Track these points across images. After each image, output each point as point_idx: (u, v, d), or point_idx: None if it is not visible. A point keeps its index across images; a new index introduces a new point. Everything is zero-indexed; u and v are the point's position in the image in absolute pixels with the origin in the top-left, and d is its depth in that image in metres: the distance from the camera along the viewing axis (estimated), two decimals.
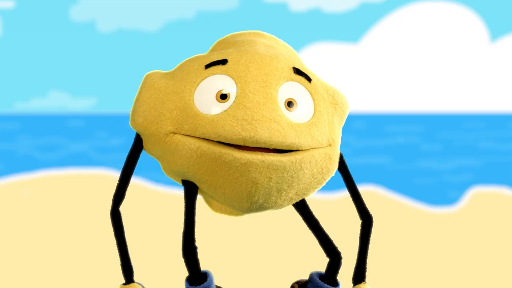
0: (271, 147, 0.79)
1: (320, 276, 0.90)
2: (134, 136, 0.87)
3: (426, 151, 10.76)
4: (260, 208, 0.85)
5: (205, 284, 0.82)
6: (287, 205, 0.87)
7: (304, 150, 0.81)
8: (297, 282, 0.91)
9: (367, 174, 7.84)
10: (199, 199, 0.87)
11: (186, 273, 0.84)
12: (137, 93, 0.86)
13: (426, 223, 5.09)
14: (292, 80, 0.83)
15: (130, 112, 0.86)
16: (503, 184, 6.63)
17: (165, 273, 2.85)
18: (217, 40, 0.92)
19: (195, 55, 0.88)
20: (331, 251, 0.88)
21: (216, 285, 0.85)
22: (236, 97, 0.80)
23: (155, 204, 4.94)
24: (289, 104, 0.82)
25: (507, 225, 4.82)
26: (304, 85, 0.84)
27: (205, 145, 0.80)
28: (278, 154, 0.80)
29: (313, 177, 0.84)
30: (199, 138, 0.81)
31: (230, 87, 0.81)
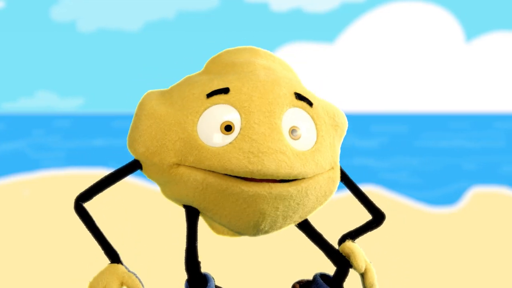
0: (278, 179, 0.79)
1: (324, 277, 0.89)
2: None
3: (414, 150, 10.78)
4: (266, 233, 0.85)
5: None
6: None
7: (309, 177, 0.81)
8: (298, 282, 0.90)
9: (364, 175, 7.85)
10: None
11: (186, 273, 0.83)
12: (134, 118, 0.85)
13: (426, 223, 5.09)
14: (294, 106, 0.82)
15: (129, 139, 0.84)
16: (503, 184, 6.64)
17: (165, 273, 2.85)
18: (211, 58, 0.90)
19: (193, 77, 0.86)
20: (339, 261, 0.88)
21: (217, 286, 0.85)
22: (241, 129, 0.79)
23: (155, 204, 4.93)
24: (293, 132, 0.81)
25: (507, 225, 4.82)
26: (306, 111, 0.83)
27: (211, 177, 0.79)
28: (284, 184, 0.79)
29: (317, 200, 0.84)
30: (205, 169, 0.80)
31: (234, 118, 0.80)
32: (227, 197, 0.79)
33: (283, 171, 0.78)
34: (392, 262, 3.72)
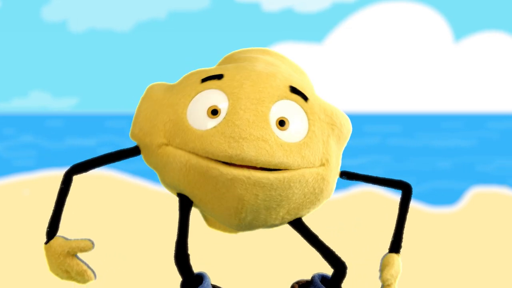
0: (258, 166, 0.79)
1: (323, 278, 0.89)
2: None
3: (407, 150, 10.79)
4: (250, 225, 0.84)
5: (200, 287, 0.82)
6: (281, 225, 0.86)
7: (294, 169, 0.81)
8: (297, 282, 0.90)
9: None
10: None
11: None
12: (138, 104, 0.87)
13: (426, 223, 5.10)
14: (287, 98, 0.82)
15: (132, 124, 0.87)
16: (502, 184, 6.66)
17: (164, 273, 2.85)
18: (226, 55, 0.92)
19: (200, 68, 0.87)
20: (335, 262, 0.87)
21: (215, 285, 0.85)
22: (226, 114, 0.80)
23: (155, 204, 4.94)
24: (281, 123, 0.81)
25: (507, 225, 4.83)
26: (299, 104, 0.83)
27: (194, 159, 0.80)
28: (265, 172, 0.79)
29: (304, 196, 0.83)
30: (189, 152, 0.80)
31: (222, 103, 0.81)
32: (207, 180, 0.80)
33: (263, 158, 0.78)
34: None
